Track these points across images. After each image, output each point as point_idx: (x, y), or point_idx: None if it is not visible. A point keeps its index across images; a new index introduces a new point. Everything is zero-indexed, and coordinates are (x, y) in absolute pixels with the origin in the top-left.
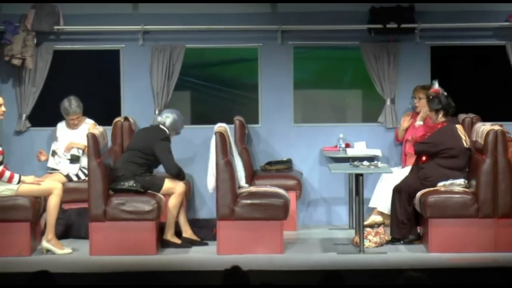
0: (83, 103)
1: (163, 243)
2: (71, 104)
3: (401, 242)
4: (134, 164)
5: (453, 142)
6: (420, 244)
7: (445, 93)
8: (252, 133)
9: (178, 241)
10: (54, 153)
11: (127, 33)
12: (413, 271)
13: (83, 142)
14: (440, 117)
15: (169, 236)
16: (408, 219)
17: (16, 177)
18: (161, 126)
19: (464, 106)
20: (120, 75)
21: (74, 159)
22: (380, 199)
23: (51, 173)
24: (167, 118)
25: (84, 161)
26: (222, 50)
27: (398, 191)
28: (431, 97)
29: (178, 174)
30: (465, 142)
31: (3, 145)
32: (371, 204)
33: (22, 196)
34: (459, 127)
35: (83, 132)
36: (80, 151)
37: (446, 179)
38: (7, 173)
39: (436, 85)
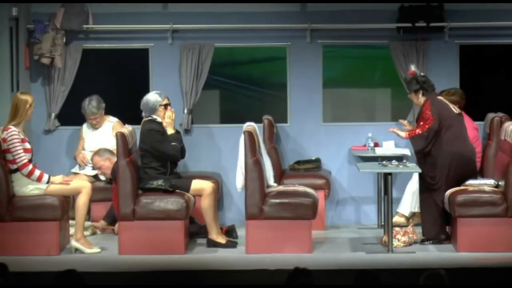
0: (111, 102)
1: (208, 243)
2: (89, 104)
3: (430, 241)
4: (149, 169)
5: (445, 112)
6: (449, 243)
7: (422, 73)
8: (281, 132)
9: (223, 240)
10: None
11: (156, 32)
12: (435, 269)
13: (95, 141)
14: (421, 97)
15: (214, 235)
16: (436, 217)
17: (45, 177)
18: (144, 120)
19: (493, 105)
20: (149, 74)
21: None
22: (403, 201)
23: (77, 173)
24: (142, 108)
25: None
26: (251, 49)
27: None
28: (408, 79)
29: (174, 155)
30: (454, 108)
31: (32, 143)
32: (398, 208)
33: (51, 195)
34: (442, 98)
35: (107, 131)
36: None
37: (452, 154)
38: (37, 172)
39: (412, 68)
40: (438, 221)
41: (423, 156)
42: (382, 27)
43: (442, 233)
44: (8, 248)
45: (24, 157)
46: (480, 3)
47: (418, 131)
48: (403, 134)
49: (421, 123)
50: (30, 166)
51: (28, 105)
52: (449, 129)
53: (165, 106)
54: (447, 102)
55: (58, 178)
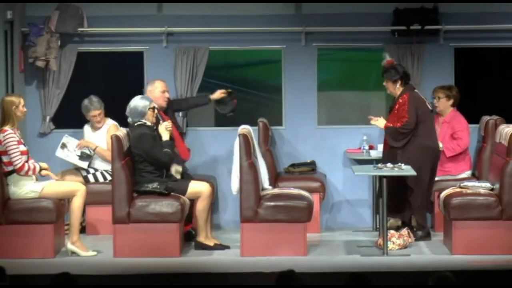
0: (106, 105)
1: (196, 245)
2: (91, 101)
3: (419, 232)
4: (146, 173)
5: (422, 108)
6: (429, 240)
7: (399, 63)
8: (276, 135)
9: (211, 243)
10: (64, 145)
11: (151, 35)
12: (448, 272)
13: (96, 142)
14: (398, 87)
15: (202, 238)
16: (405, 204)
17: (37, 167)
18: (134, 125)
19: (487, 108)
20: (144, 77)
21: (84, 157)
22: None
23: (75, 169)
24: (128, 114)
25: (99, 163)
26: (246, 52)
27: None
28: (385, 68)
29: (166, 162)
30: (429, 105)
31: (27, 146)
32: None
33: (45, 198)
34: (418, 91)
35: (104, 133)
36: (91, 151)
37: (428, 148)
38: (31, 167)
39: (387, 57)
40: (406, 207)
41: (396, 149)
42: (377, 30)
43: (406, 218)
44: (3, 251)
45: (21, 159)
46: (474, 3)
47: (396, 124)
48: (381, 124)
49: (397, 118)
50: (26, 168)
51: (14, 106)
52: (423, 124)
53: (153, 109)
54: (423, 98)
55: (44, 164)
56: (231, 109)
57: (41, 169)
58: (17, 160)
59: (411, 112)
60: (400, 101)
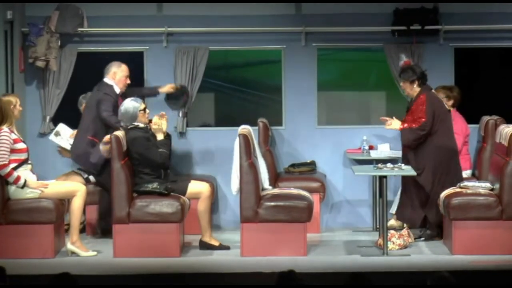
0: None
1: (201, 245)
2: (86, 96)
3: (422, 238)
4: (144, 174)
5: (440, 107)
6: (440, 240)
7: (416, 64)
8: (276, 135)
9: (216, 243)
10: (57, 133)
11: (151, 35)
12: (446, 272)
13: None
14: (416, 87)
15: (207, 238)
16: (415, 205)
17: (21, 180)
18: (127, 129)
19: (487, 108)
20: (144, 77)
21: None
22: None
23: (75, 172)
24: (120, 118)
25: None
26: (246, 52)
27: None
28: (402, 68)
29: (163, 163)
30: (446, 104)
31: (26, 146)
32: (391, 210)
33: (46, 198)
34: (435, 92)
35: None
36: None
37: (446, 148)
38: (15, 174)
39: (404, 58)
40: (418, 210)
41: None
42: (377, 30)
43: (418, 221)
44: (3, 251)
45: (4, 159)
46: (474, 3)
47: (412, 125)
48: (396, 126)
49: (413, 119)
50: (8, 169)
51: (12, 106)
52: (442, 123)
53: (144, 110)
54: (440, 98)
55: (33, 183)
56: (181, 104)
57: (24, 184)
58: (1, 158)
59: (428, 113)
60: (418, 101)
